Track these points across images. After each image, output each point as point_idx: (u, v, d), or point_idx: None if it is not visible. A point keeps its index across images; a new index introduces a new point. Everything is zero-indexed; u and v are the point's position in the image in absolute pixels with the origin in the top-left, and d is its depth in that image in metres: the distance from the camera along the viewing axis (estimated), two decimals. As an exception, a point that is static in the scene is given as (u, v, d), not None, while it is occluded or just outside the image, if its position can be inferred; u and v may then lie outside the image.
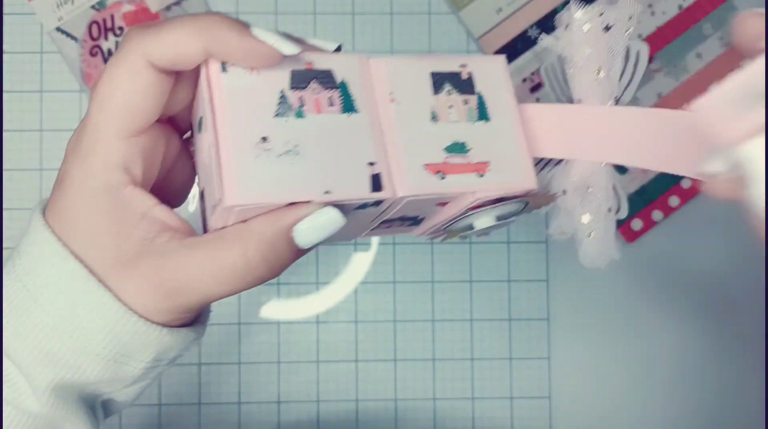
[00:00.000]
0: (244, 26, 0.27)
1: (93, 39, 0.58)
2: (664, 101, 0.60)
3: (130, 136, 0.27)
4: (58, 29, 0.58)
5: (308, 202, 0.27)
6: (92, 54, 0.58)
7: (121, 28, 0.58)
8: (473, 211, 0.31)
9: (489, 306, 0.60)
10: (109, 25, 0.59)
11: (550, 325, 0.60)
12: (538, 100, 0.60)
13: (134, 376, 0.29)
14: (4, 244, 0.56)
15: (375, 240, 0.60)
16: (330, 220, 0.27)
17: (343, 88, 0.29)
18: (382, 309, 0.60)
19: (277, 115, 0.27)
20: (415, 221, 0.33)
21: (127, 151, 0.27)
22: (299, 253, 0.28)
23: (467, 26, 0.60)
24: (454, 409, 0.60)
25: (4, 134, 0.58)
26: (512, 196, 0.30)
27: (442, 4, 0.61)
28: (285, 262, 0.28)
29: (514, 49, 0.60)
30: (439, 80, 0.31)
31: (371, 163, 0.28)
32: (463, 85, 0.31)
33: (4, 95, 0.58)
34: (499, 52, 0.60)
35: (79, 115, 0.59)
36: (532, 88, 0.60)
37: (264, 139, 0.27)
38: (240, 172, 0.26)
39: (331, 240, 0.30)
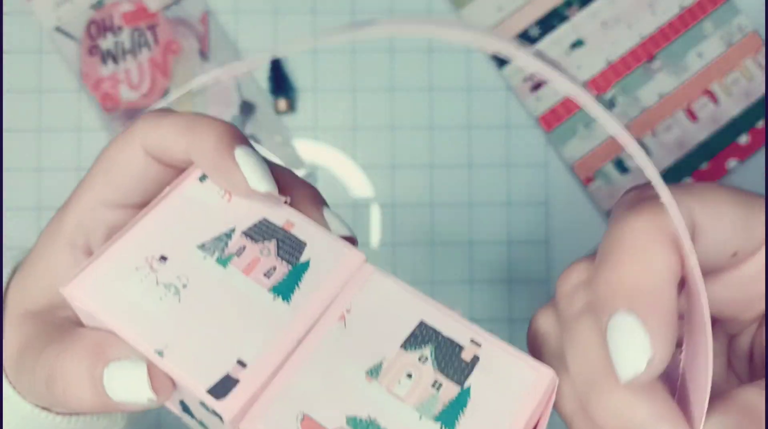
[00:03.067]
0: (232, 140, 0.24)
1: (92, 38, 0.58)
2: (666, 101, 0.60)
3: (106, 205, 0.26)
4: (57, 29, 0.58)
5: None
6: (91, 53, 0.58)
7: (120, 27, 0.58)
8: None
9: (490, 306, 0.60)
10: (107, 24, 0.58)
11: (551, 325, 0.60)
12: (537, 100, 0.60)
13: None
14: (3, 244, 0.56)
15: (375, 231, 0.60)
16: (138, 380, 0.21)
17: (298, 269, 0.23)
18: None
19: (200, 246, 0.23)
20: None
21: (96, 218, 0.26)
22: (106, 401, 0.22)
23: (468, 25, 0.60)
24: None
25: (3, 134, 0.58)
26: None
27: (443, 3, 0.61)
28: (85, 402, 0.23)
29: (514, 48, 0.60)
30: (422, 337, 0.22)
31: (241, 363, 0.21)
32: (453, 365, 0.21)
33: (4, 95, 0.58)
34: (499, 51, 0.59)
35: (77, 114, 0.59)
36: (533, 88, 0.60)
37: (163, 258, 0.22)
38: (102, 269, 0.22)
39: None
